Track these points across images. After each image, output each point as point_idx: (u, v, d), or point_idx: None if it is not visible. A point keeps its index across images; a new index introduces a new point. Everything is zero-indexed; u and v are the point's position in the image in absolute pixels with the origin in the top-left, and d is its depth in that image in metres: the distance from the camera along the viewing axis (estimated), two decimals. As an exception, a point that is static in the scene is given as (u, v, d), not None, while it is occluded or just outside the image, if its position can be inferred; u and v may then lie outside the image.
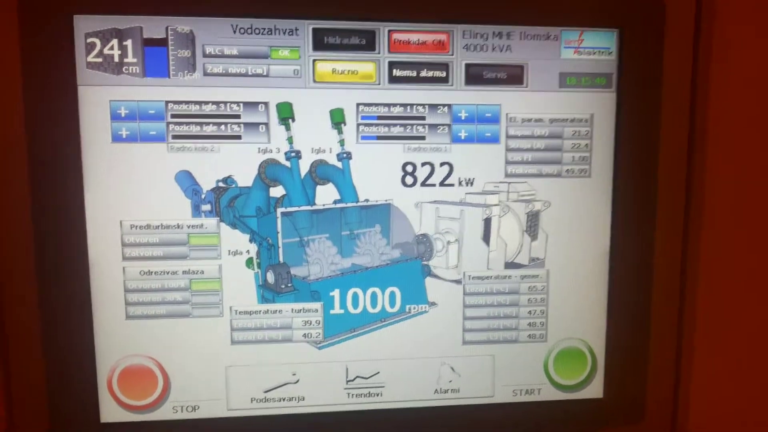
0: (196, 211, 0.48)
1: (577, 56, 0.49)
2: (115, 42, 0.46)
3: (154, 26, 0.46)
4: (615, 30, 0.49)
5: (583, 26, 0.49)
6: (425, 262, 0.50)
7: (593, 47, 0.49)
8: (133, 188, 0.47)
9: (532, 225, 0.51)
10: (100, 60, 0.46)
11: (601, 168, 0.51)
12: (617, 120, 0.50)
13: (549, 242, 0.51)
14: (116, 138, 0.47)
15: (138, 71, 0.46)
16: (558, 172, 0.51)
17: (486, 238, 0.51)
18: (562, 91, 0.49)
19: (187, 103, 0.47)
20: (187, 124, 0.47)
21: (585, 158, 0.51)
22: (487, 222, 0.50)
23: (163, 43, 0.46)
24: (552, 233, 0.51)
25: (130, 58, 0.46)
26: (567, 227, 0.51)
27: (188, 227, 0.48)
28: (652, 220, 0.52)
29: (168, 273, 0.49)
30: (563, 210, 0.51)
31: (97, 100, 0.46)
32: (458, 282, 0.51)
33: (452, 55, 0.48)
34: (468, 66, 0.48)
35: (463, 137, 0.49)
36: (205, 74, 0.47)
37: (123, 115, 0.47)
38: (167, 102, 0.47)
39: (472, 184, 0.50)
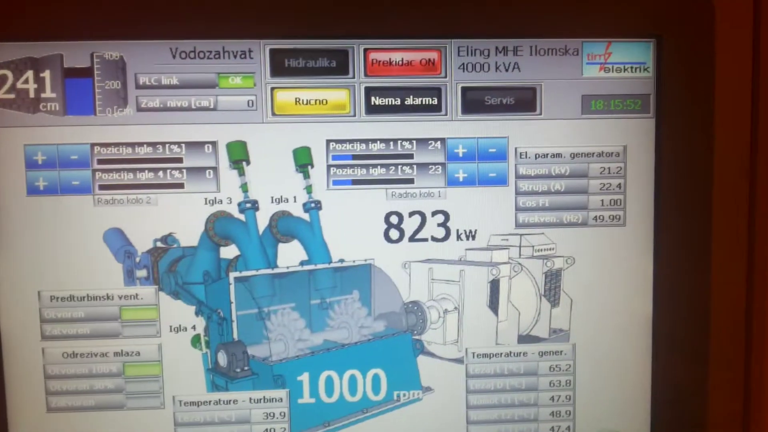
0: (130, 277, 0.42)
1: (603, 74, 0.43)
2: (30, 74, 0.41)
3: (76, 53, 0.41)
4: (651, 40, 0.43)
5: (611, 36, 0.43)
6: (417, 337, 0.44)
7: (624, 62, 0.43)
8: (53, 251, 0.42)
9: (552, 288, 0.45)
10: (11, 96, 0.41)
11: (639, 214, 0.44)
12: (657, 153, 0.43)
13: (574, 309, 0.45)
14: (32, 190, 0.42)
15: (58, 108, 0.41)
16: (583, 220, 0.44)
17: (493, 305, 0.44)
18: (585, 119, 0.43)
19: (116, 145, 0.41)
20: (118, 171, 0.42)
21: (617, 201, 0.44)
22: (495, 285, 0.44)
23: (87, 73, 0.41)
24: (578, 298, 0.45)
25: (48, 93, 0.41)
26: (597, 290, 0.44)
27: (120, 298, 0.43)
28: (706, 278, 0.44)
29: (96, 355, 0.43)
30: (591, 268, 0.44)
31: (9, 145, 0.41)
32: (459, 361, 0.45)
33: (445, 77, 0.42)
34: (465, 90, 0.42)
35: (461, 179, 0.43)
36: (139, 109, 0.41)
37: (40, 162, 0.41)
38: (93, 145, 0.41)
39: (474, 237, 0.44)
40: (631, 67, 0.43)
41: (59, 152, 0.41)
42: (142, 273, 0.42)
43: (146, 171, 0.42)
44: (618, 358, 0.45)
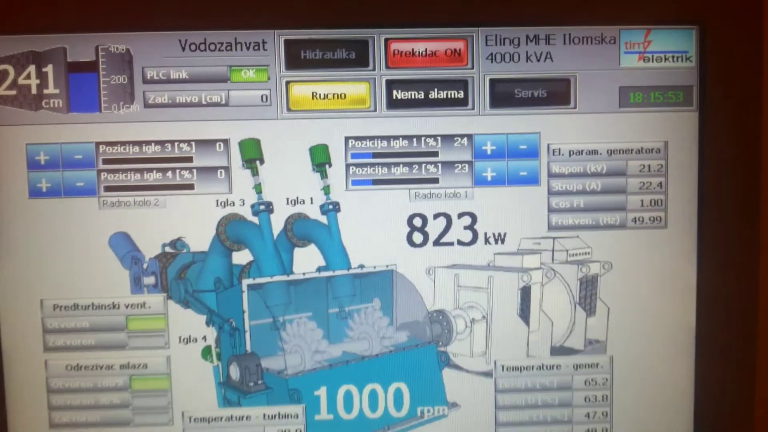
0: (137, 285, 0.41)
1: (642, 64, 0.41)
2: (32, 69, 0.40)
3: (80, 46, 0.39)
4: (694, 27, 0.41)
5: (651, 23, 0.41)
6: (442, 349, 0.42)
7: (665, 51, 0.41)
8: (56, 257, 0.40)
9: (588, 295, 0.43)
10: (13, 92, 0.40)
11: (682, 215, 0.42)
12: (701, 149, 0.42)
13: (612, 318, 0.43)
14: (34, 192, 0.40)
15: (61, 105, 0.40)
16: (621, 222, 0.42)
17: (524, 314, 0.43)
18: (623, 112, 0.41)
19: (123, 144, 0.40)
20: (124, 171, 0.40)
21: (658, 202, 0.42)
22: (526, 292, 0.42)
23: (92, 67, 0.40)
24: (616, 306, 0.43)
25: (51, 89, 0.40)
26: (636, 297, 0.43)
27: (127, 307, 0.41)
28: (753, 284, 0.42)
29: (102, 368, 0.41)
30: (630, 274, 0.42)
31: (10, 144, 0.40)
32: (488, 375, 0.43)
33: (472, 68, 0.41)
34: (494, 82, 0.41)
35: (489, 178, 0.41)
36: (147, 106, 0.40)
37: (43, 162, 0.40)
38: (98, 144, 0.40)
39: (503, 241, 0.42)
40: (673, 57, 0.41)
41: (63, 152, 0.40)
42: (149, 280, 0.41)
43: (154, 171, 0.40)
44: (659, 371, 0.43)
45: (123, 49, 0.39)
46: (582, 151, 0.41)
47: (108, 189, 0.40)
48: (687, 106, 0.41)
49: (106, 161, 0.40)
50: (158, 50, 0.39)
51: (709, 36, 0.41)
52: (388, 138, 0.41)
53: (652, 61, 0.41)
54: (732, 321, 0.42)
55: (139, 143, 0.40)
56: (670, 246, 0.42)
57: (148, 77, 0.40)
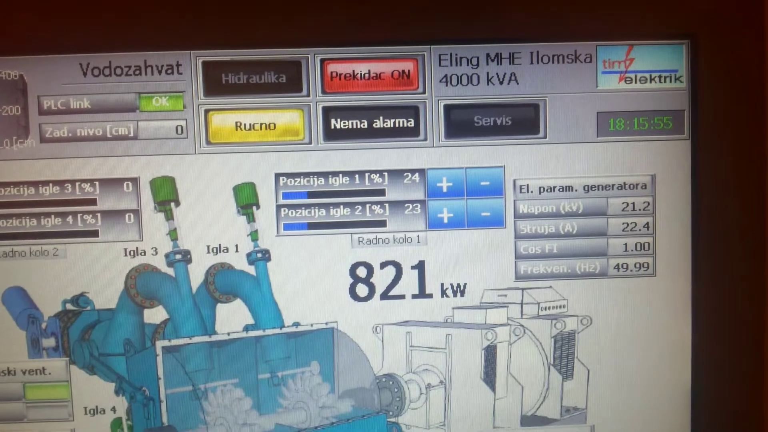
0: (35, 348, 0.39)
1: (624, 85, 0.39)
2: None
3: None
4: (684, 41, 0.39)
5: (633, 38, 0.39)
6: (393, 419, 0.40)
7: (650, 70, 0.39)
8: None
9: (564, 355, 0.41)
10: None
11: (673, 260, 0.40)
12: (694, 183, 0.39)
13: (592, 382, 0.40)
14: None
15: None
16: (602, 270, 0.40)
17: (489, 378, 0.40)
18: (602, 142, 0.39)
19: (16, 185, 0.38)
20: (18, 216, 0.38)
21: (645, 246, 0.40)
22: (490, 352, 0.40)
23: None
24: (596, 368, 0.40)
25: None
26: (620, 357, 0.40)
27: (24, 373, 0.38)
28: (759, 342, 0.39)
29: None
30: (613, 330, 0.40)
31: None
32: None
33: (423, 92, 0.39)
34: (449, 108, 0.39)
35: (445, 220, 0.39)
36: (43, 140, 0.38)
37: None
38: None
39: (463, 293, 0.39)
40: (659, 77, 0.39)
41: (-53, 194, 0.37)
42: (49, 342, 0.38)
43: (52, 216, 0.38)
44: (649, 443, 0.40)
45: (15, 75, 0.37)
46: (554, 187, 0.39)
47: (0, 237, 0.37)
48: (677, 133, 0.39)
49: (-4, 205, 0.37)
50: (56, 76, 0.37)
51: (702, 52, 0.39)
52: (325, 174, 0.38)
53: (636, 81, 0.39)
54: (735, 385, 0.39)
55: (35, 184, 0.37)
56: (660, 297, 0.40)
57: (45, 107, 0.37)
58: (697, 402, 0.39)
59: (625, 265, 0.39)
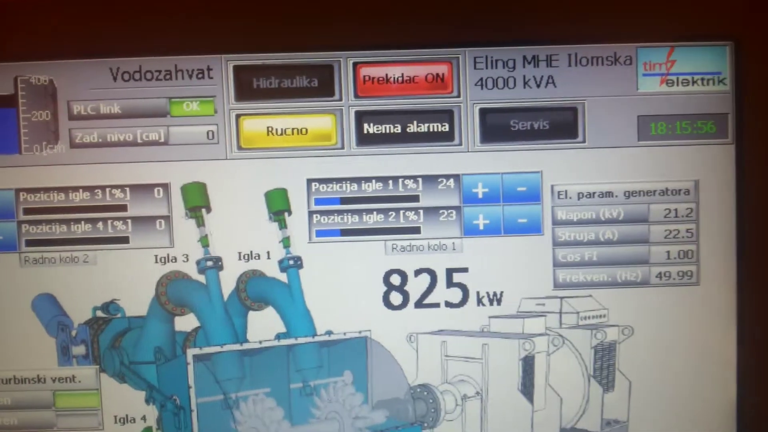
0: (65, 355, 0.38)
1: (665, 88, 0.38)
2: None
3: None
4: (728, 43, 0.38)
5: (674, 40, 0.38)
6: (428, 431, 0.39)
7: (693, 72, 0.38)
8: None
9: (605, 366, 0.40)
10: None
11: (717, 268, 0.39)
12: (739, 189, 0.38)
13: (634, 394, 0.39)
14: None
15: None
16: (644, 279, 0.39)
17: (527, 389, 0.39)
18: (643, 146, 0.38)
19: (47, 190, 0.38)
20: (49, 222, 0.38)
21: (688, 254, 0.39)
22: (528, 363, 0.39)
23: (10, 102, 0.37)
24: (638, 379, 0.39)
25: None
26: (663, 369, 0.39)
27: (54, 381, 0.38)
28: None
29: None
30: (655, 341, 0.39)
31: None
32: None
33: (458, 96, 0.38)
34: (485, 112, 0.38)
35: (481, 227, 0.38)
36: (73, 146, 0.37)
37: None
38: (18, 191, 0.38)
39: (499, 302, 0.38)
40: (702, 79, 0.38)
41: (-23, 201, 0.37)
42: (79, 350, 0.38)
43: (83, 222, 0.38)
44: (693, 457, 0.39)
45: (45, 80, 0.37)
46: (593, 193, 0.38)
47: (30, 243, 0.37)
48: (721, 137, 0.38)
49: (27, 211, 0.37)
50: (86, 81, 0.37)
51: (746, 53, 0.37)
52: (358, 180, 0.37)
53: (678, 84, 0.38)
54: (782, 397, 0.37)
55: (65, 189, 0.37)
56: (704, 307, 0.39)
57: (75, 112, 0.37)
58: (742, 417, 0.38)
59: (667, 274, 0.38)
